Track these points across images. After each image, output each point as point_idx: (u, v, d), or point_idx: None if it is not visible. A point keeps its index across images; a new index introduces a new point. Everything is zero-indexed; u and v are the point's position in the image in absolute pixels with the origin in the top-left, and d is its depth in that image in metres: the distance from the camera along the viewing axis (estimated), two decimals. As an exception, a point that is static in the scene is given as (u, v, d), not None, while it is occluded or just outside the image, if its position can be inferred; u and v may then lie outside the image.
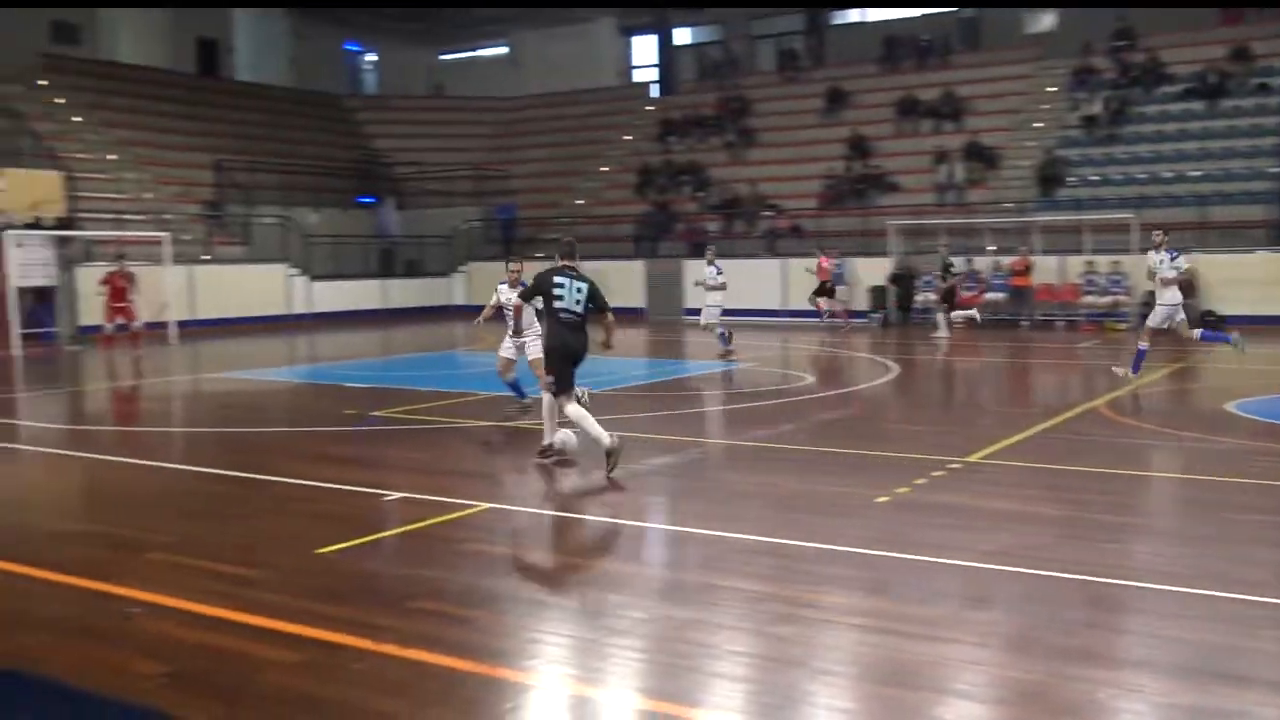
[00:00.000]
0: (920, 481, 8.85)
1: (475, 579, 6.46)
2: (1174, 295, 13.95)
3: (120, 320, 20.95)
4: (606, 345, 9.96)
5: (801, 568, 6.58)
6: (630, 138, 37.86)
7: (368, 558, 6.95)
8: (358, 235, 33.99)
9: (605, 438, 9.24)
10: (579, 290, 9.57)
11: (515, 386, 12.50)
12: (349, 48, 45.54)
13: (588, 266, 28.60)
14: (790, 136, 34.15)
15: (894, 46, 35.41)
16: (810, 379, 16.30)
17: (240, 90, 38.61)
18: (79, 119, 31.71)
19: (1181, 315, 14.04)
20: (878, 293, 27.50)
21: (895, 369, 17.10)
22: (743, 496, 8.56)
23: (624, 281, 30.89)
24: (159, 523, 7.96)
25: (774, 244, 30.15)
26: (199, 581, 6.40)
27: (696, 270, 29.54)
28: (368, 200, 36.44)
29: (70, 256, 24.64)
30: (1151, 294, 14.66)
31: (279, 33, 41.65)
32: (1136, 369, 14.44)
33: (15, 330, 21.97)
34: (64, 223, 24.47)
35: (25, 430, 12.67)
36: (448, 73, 45.62)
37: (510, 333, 12.18)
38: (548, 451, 9.98)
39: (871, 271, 27.61)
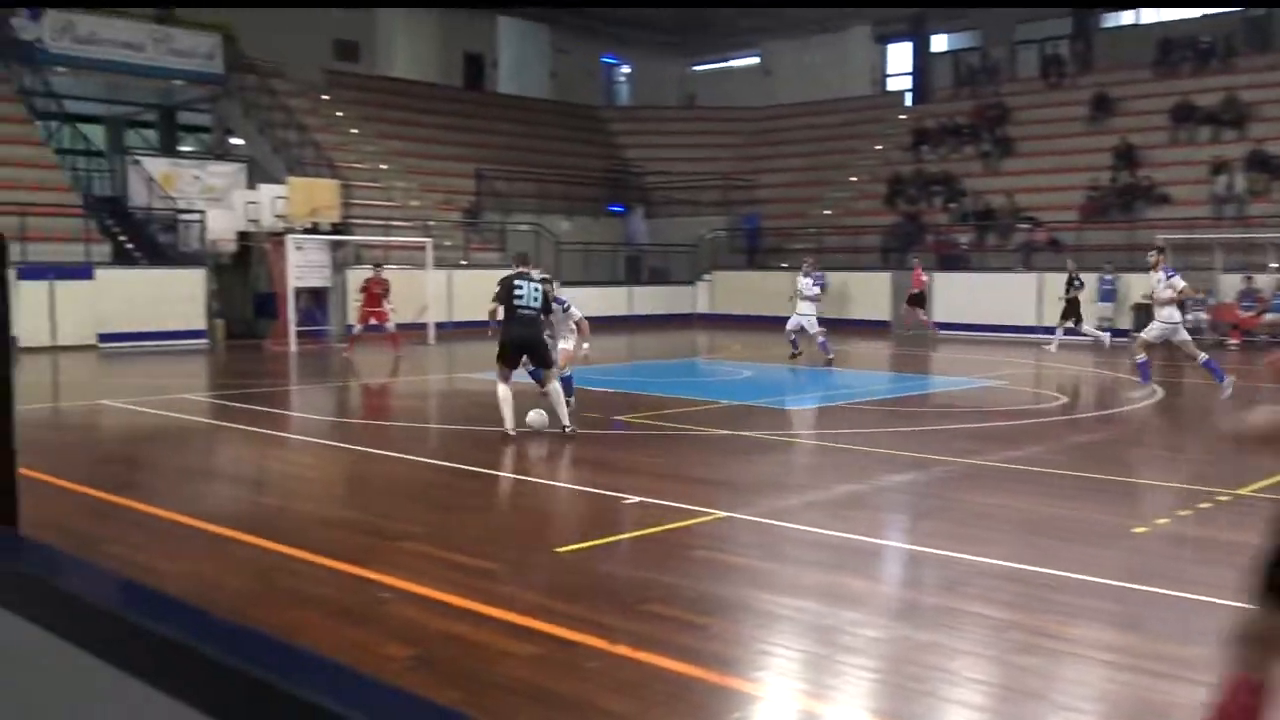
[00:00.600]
0: (1184, 513, 8.27)
1: (709, 586, 6.47)
2: (1172, 314, 14.58)
3: (373, 322, 22.19)
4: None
5: (1048, 596, 6.27)
6: (881, 147, 37.24)
7: (604, 558, 7.07)
8: (606, 243, 34.83)
9: (564, 419, 11.48)
10: (535, 290, 11.64)
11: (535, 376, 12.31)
12: (606, 60, 46.75)
13: (833, 275, 28.28)
14: (1051, 145, 32.74)
15: (1170, 49, 33.40)
16: (1064, 399, 15.55)
17: (502, 102, 40.28)
18: (355, 131, 33.88)
19: (1183, 335, 14.73)
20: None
21: (1158, 391, 16.10)
22: (987, 518, 8.24)
23: (869, 293, 30.40)
24: (411, 513, 8.36)
25: (1029, 258, 28.95)
26: (444, 572, 6.67)
27: (946, 283, 28.87)
28: (617, 209, 37.31)
29: (342, 259, 26.34)
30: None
31: (540, 47, 43.21)
32: (1146, 379, 15.20)
33: (292, 328, 23.66)
34: (339, 228, 26.19)
35: (296, 421, 13.60)
36: (699, 83, 46.14)
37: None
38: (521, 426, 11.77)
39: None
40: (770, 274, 33.33)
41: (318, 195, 25.59)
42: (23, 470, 2.26)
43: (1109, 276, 26.14)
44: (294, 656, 1.06)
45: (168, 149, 33.87)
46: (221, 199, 28.18)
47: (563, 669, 5.13)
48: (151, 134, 35.59)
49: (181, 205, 26.95)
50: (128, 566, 6.60)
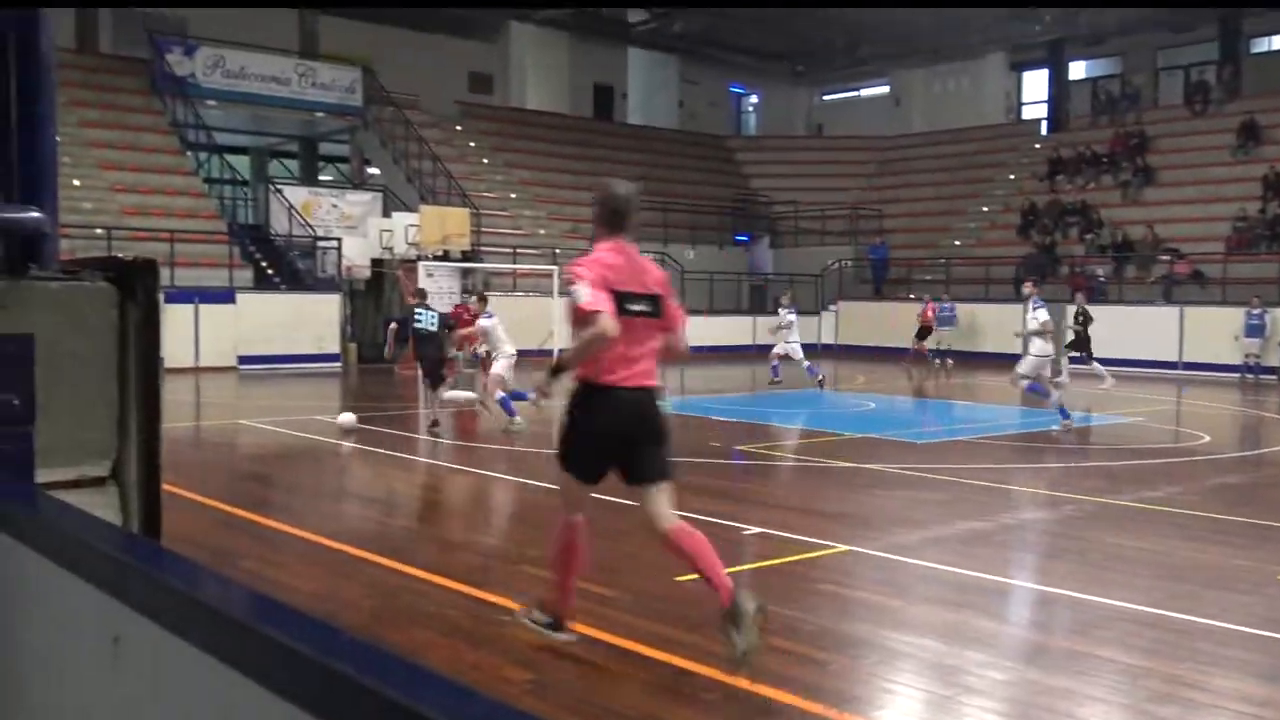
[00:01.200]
0: (1335, 561, 7.87)
1: (830, 621, 6.38)
2: (1043, 346, 15.08)
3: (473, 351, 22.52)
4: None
5: (1188, 644, 6.01)
6: (1014, 176, 36.59)
7: (724, 589, 7.02)
8: (731, 272, 34.84)
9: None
10: (432, 317, 14.51)
11: (505, 404, 14.28)
12: (734, 90, 46.93)
13: (963, 308, 27.80)
14: (1196, 174, 31.68)
15: (1323, 75, 32.08)
16: (1207, 438, 14.96)
17: (630, 133, 40.75)
18: (486, 161, 34.64)
19: (1048, 372, 15.27)
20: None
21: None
22: (1121, 560, 7.96)
23: (1000, 326, 29.76)
24: (531, 537, 8.45)
25: (1171, 291, 27.99)
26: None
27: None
28: (742, 238, 37.35)
29: (472, 285, 26.89)
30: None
31: (669, 77, 43.61)
32: (1045, 394, 15.62)
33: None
34: (468, 255, 26.75)
35: (423, 444, 13.89)
36: (828, 113, 45.98)
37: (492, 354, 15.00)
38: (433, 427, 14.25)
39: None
40: (898, 305, 32.94)
41: (449, 223, 26.21)
42: (165, 485, 2.36)
43: (1257, 311, 25.29)
44: (422, 677, 1.09)
45: (308, 178, 35.16)
46: (357, 227, 29.10)
47: (680, 699, 5.11)
48: (293, 164, 37.04)
49: (319, 233, 27.88)
50: (260, 581, 6.81)
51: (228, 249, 25.43)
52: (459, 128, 35.71)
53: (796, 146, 43.84)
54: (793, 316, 21.95)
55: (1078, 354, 21.95)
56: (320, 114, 31.83)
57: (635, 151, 39.75)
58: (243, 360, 24.29)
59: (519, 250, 29.90)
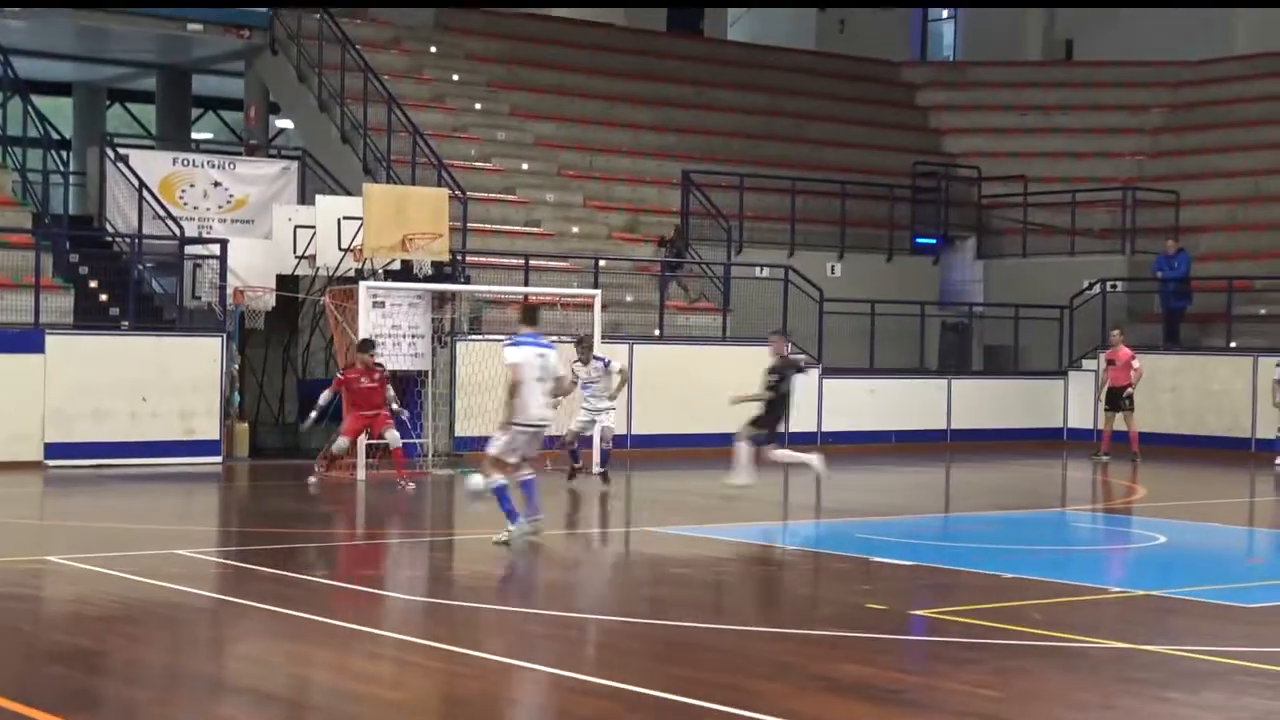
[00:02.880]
0: None
1: None
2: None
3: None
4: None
5: None
6: None
7: None
8: (906, 301, 34.72)
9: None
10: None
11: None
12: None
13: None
14: None
15: None
16: None
17: (732, 57, 41.12)
18: (480, 107, 35.01)
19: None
20: None
21: None
22: None
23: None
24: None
25: None
26: None
27: None
28: (928, 241, 37.28)
29: (451, 324, 27.04)
30: None
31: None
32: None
33: (363, 438, 24.34)
34: (447, 270, 26.93)
35: (365, 601, 13.87)
36: (1082, 24, 45.93)
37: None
38: None
39: None
40: (1210, 359, 32.48)
41: (414, 214, 26.32)
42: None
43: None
44: None
45: (172, 137, 35.60)
46: (254, 221, 29.32)
47: None
48: (146, 112, 37.68)
49: (190, 231, 28.13)
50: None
51: (32, 258, 25.74)
52: (433, 49, 36.08)
53: (1027, 81, 43.63)
54: (602, 368, 23.63)
55: None
56: (196, 26, 32.31)
57: (739, 89, 39.85)
58: (53, 451, 24.45)
59: (536, 261, 29.99)
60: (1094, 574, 16.92)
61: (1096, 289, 34.95)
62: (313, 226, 26.68)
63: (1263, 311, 33.40)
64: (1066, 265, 36.35)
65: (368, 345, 23.19)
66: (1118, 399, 29.79)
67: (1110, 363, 30.14)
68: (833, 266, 35.03)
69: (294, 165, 31.21)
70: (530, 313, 17.56)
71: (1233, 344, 32.61)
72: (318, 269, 26.68)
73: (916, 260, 37.41)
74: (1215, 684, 10.80)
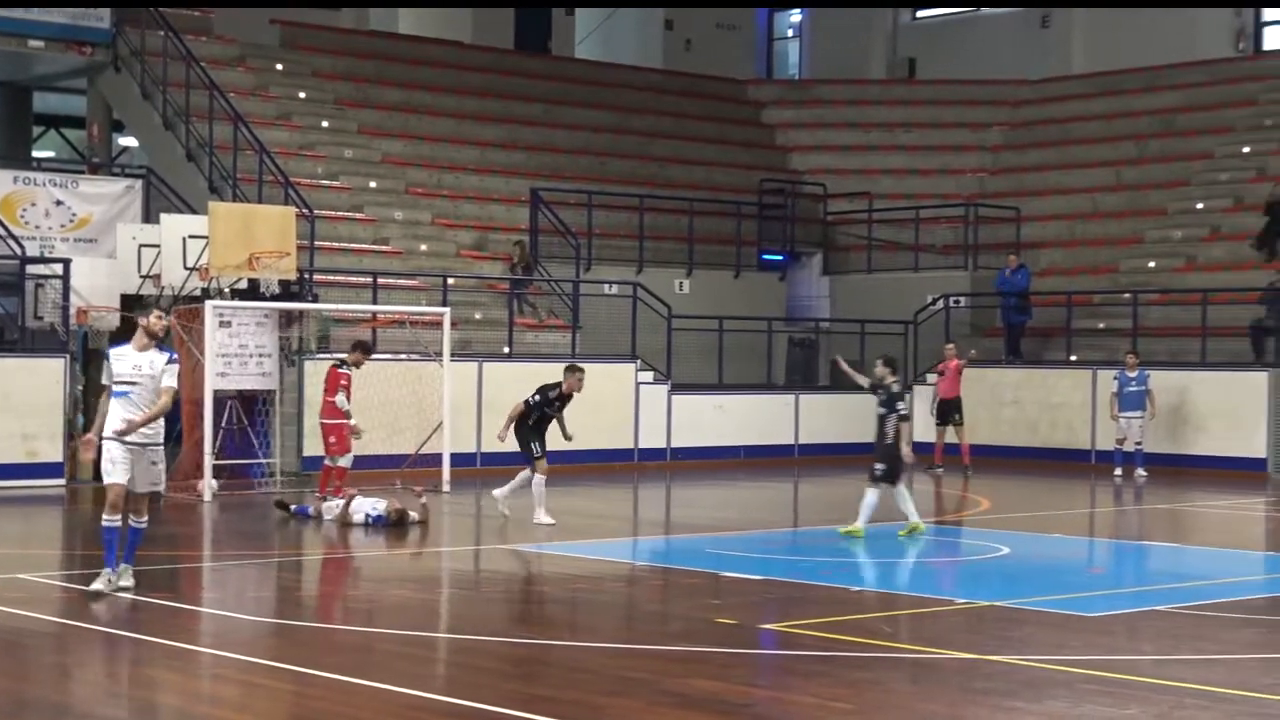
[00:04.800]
0: None
1: None
2: None
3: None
4: None
5: None
6: (1250, 150, 36.93)
7: None
8: (755, 316, 34.90)
9: None
10: None
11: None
12: (763, 7, 47.40)
13: (1162, 377, 28.02)
14: None
15: None
16: None
17: (579, 75, 41.12)
18: (327, 125, 34.71)
19: None
20: None
21: None
22: None
23: (1231, 408, 29.90)
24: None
25: None
26: None
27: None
28: (775, 257, 37.57)
29: (298, 344, 26.83)
30: None
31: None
32: None
33: (209, 459, 24.08)
34: (294, 289, 26.72)
35: (210, 624, 13.73)
36: (924, 41, 46.42)
37: None
38: None
39: None
40: (1051, 373, 33.01)
41: (260, 232, 26.11)
42: None
43: (1133, 374, 29.19)
44: None
45: (12, 155, 35.01)
46: (98, 240, 28.91)
47: None
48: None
49: (31, 250, 27.70)
50: None
51: None
52: (279, 67, 35.76)
53: (871, 99, 44.03)
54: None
55: None
56: (37, 43, 31.85)
57: (586, 107, 39.88)
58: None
59: (384, 280, 29.83)
60: (941, 586, 17.12)
61: (940, 304, 35.30)
62: (157, 245, 26.38)
63: (1101, 326, 33.92)
64: (911, 281, 36.70)
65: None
66: (948, 411, 30.34)
67: (940, 374, 30.77)
68: (681, 283, 35.12)
69: (138, 184, 30.80)
70: None
71: (1072, 357, 33.06)
72: (163, 288, 26.35)
73: (763, 276, 37.56)
74: (1058, 692, 10.96)
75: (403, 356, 26.93)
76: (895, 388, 20.14)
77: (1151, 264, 35.23)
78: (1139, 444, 28.88)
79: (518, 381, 28.32)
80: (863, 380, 21.07)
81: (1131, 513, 25.26)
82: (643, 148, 39.50)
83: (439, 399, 25.59)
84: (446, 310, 26.89)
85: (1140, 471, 28.62)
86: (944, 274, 36.63)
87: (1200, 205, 36.34)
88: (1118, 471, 28.72)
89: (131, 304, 27.01)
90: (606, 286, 32.47)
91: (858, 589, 15.47)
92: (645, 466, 29.83)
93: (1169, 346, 31.97)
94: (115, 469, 14.27)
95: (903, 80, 45.54)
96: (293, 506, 21.18)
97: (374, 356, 23.97)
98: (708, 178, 39.19)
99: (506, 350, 29.50)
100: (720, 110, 43.04)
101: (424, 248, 32.38)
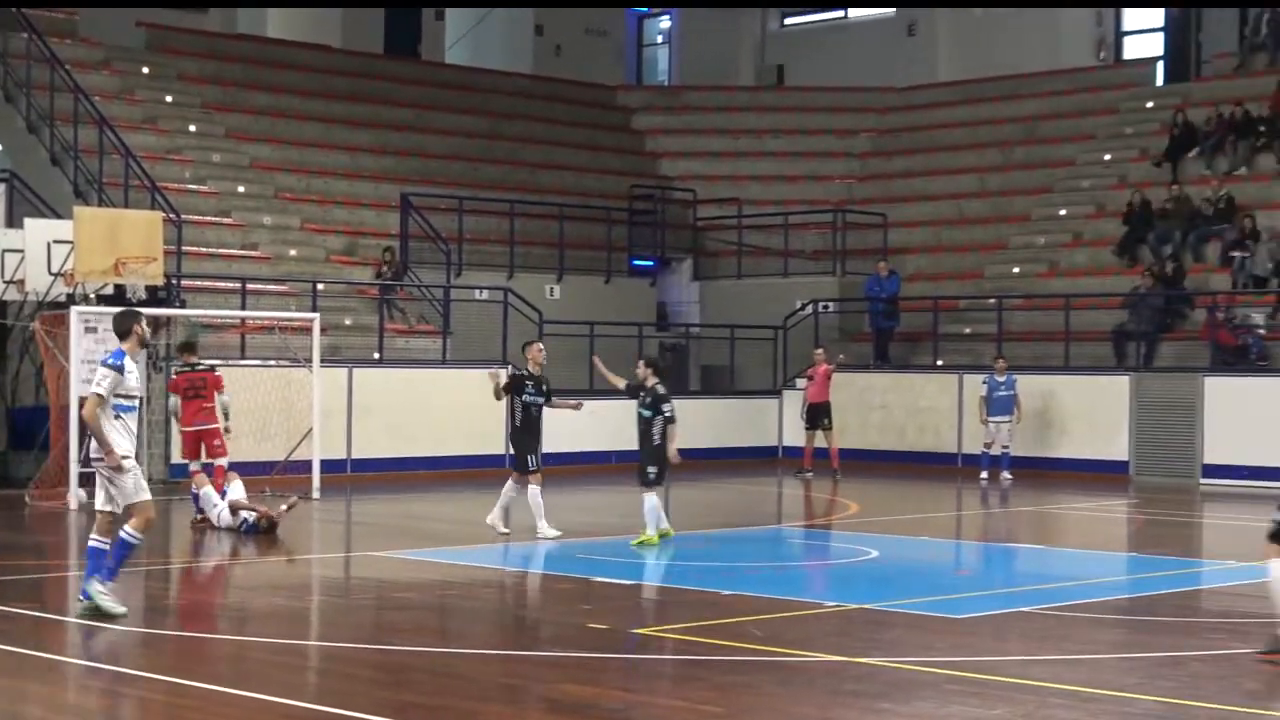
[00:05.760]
0: None
1: None
2: None
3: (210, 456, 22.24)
4: None
5: None
6: (1111, 157, 37.55)
7: None
8: (627, 322, 34.96)
9: None
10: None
11: None
12: (634, 13, 47.50)
13: (1027, 381, 28.40)
14: None
15: None
16: None
17: (449, 80, 40.97)
18: (195, 129, 34.40)
19: None
20: None
21: None
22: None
23: (1093, 411, 30.31)
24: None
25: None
26: None
27: (1223, 393, 28.77)
28: (645, 264, 37.70)
29: (165, 350, 26.60)
30: None
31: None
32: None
33: (75, 467, 23.81)
34: (161, 294, 26.47)
35: (74, 633, 13.59)
36: (792, 47, 46.68)
37: None
38: None
39: None
40: (918, 378, 33.40)
41: (126, 237, 25.84)
42: None
43: (1001, 379, 29.61)
44: None
45: None
46: (-43, 244, 28.52)
47: None
48: None
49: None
50: None
51: None
52: (145, 70, 35.38)
53: (739, 105, 44.29)
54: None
55: None
56: (-108, 41, 31.38)
57: (457, 113, 39.84)
58: None
59: (252, 284, 29.62)
60: (810, 589, 17.25)
61: (809, 309, 35.56)
62: (21, 250, 26.01)
63: (967, 331, 34.26)
64: (780, 286, 36.93)
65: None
66: (817, 416, 30.51)
67: (809, 379, 30.97)
68: (552, 288, 35.13)
69: (1, 188, 30.37)
70: None
71: (939, 362, 33.40)
72: (27, 294, 26.01)
73: (634, 282, 37.67)
74: (925, 693, 11.11)
75: (272, 362, 26.83)
76: (660, 389, 19.68)
77: (1016, 269, 35.62)
78: (1006, 448, 29.26)
79: (388, 387, 28.41)
80: (619, 382, 20.48)
81: (998, 515, 25.57)
82: (513, 153, 39.46)
83: (309, 405, 25.50)
84: (316, 316, 26.77)
85: (1006, 475, 29.01)
86: (813, 279, 36.88)
87: (1063, 211, 36.88)
88: (984, 475, 29.07)
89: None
90: (477, 292, 32.47)
91: (728, 592, 15.52)
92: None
93: (1033, 351, 32.27)
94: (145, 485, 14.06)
95: (771, 87, 45.80)
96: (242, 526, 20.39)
97: (243, 363, 23.79)
98: (578, 183, 39.22)
99: (377, 356, 29.40)
100: (590, 116, 43.10)
101: (293, 253, 32.17)
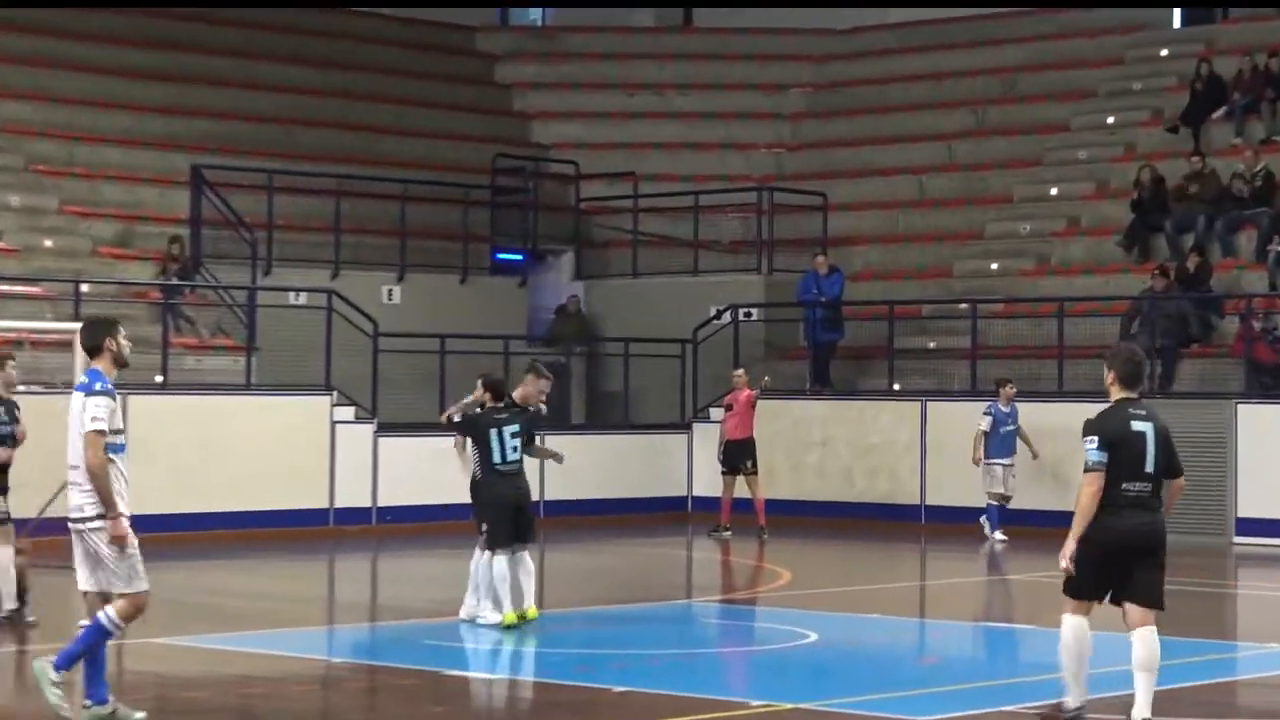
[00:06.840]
0: None
1: None
2: None
3: None
4: None
5: None
6: (1115, 120, 37.76)
7: None
8: (488, 335, 34.85)
9: None
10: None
11: None
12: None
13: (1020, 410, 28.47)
14: None
15: None
16: None
17: (270, 21, 40.87)
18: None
19: None
20: None
21: None
22: None
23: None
24: None
25: None
26: None
27: (1258, 423, 28.96)
28: (512, 257, 37.66)
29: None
30: None
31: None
32: None
33: None
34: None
35: None
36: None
37: None
38: None
39: None
40: (869, 405, 33.34)
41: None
42: None
43: (1006, 409, 29.62)
44: None
45: None
46: None
47: None
48: None
49: None
50: None
51: None
52: None
53: (635, 52, 44.45)
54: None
55: None
56: None
57: (268, 60, 39.77)
58: None
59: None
60: (730, 684, 17.20)
61: (727, 318, 35.47)
62: None
63: (931, 345, 34.37)
64: (689, 287, 36.87)
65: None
66: (738, 457, 30.21)
67: (728, 409, 30.56)
68: (390, 290, 34.94)
69: None
70: None
71: (895, 386, 33.33)
72: None
73: (499, 281, 37.65)
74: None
75: (20, 388, 26.49)
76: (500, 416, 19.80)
77: (994, 265, 35.86)
78: (1008, 499, 28.95)
79: (178, 420, 28.02)
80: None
81: (976, 585, 25.65)
82: (342, 113, 39.26)
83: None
84: (79, 326, 26.51)
85: (999, 535, 28.68)
86: (732, 278, 36.89)
87: (1054, 191, 37.09)
88: (999, 536, 28.68)
89: None
90: (292, 295, 32.20)
91: (621, 689, 15.40)
92: (344, 531, 29.59)
93: (1017, 371, 32.13)
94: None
95: (676, 29, 45.85)
96: None
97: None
98: (427, 153, 39.20)
99: (159, 379, 29.07)
100: (442, 65, 43.09)
101: (49, 244, 31.89)
